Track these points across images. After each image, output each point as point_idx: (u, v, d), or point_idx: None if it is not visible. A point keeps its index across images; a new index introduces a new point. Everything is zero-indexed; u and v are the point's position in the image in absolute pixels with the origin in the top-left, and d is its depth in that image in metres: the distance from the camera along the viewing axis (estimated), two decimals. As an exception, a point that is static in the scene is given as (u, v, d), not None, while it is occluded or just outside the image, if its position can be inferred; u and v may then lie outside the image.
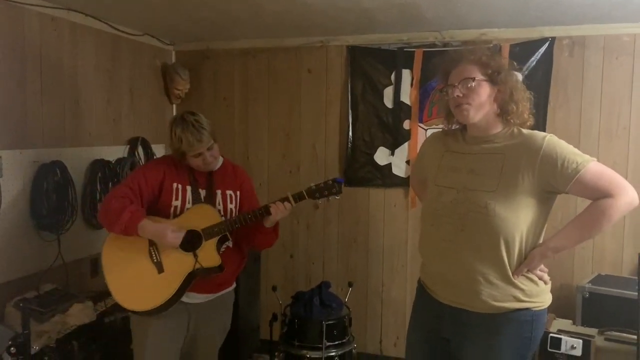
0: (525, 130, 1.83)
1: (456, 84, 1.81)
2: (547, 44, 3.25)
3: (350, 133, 3.64)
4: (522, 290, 1.77)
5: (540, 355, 2.48)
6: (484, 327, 1.79)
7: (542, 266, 1.80)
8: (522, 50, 3.27)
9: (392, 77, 3.52)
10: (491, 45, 3.27)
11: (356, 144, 3.64)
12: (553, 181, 1.73)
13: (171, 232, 2.14)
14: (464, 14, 3.00)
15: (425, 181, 2.06)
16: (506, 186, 1.74)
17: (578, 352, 2.42)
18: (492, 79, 1.80)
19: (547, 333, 2.46)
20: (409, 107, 3.51)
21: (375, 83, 3.57)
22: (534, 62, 3.27)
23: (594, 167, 1.70)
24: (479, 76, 1.80)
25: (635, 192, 1.71)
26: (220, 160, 2.41)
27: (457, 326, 1.85)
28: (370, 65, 3.57)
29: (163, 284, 2.18)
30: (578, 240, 1.79)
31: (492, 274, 1.76)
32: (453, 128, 1.99)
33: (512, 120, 1.81)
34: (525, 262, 1.76)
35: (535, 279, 1.79)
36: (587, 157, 1.73)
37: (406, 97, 3.51)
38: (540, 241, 1.83)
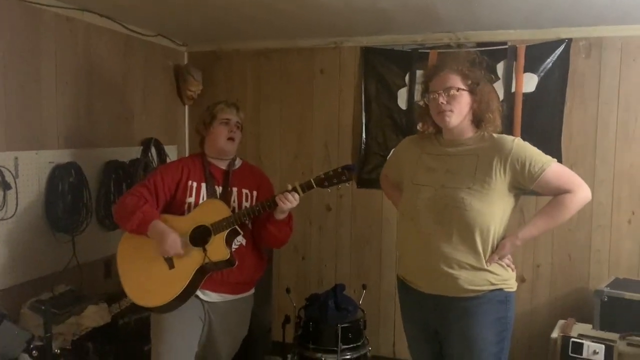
0: (495, 134, 2.02)
1: (440, 92, 1.98)
2: (563, 46, 3.21)
3: (364, 135, 3.62)
4: (495, 274, 1.96)
5: (562, 360, 2.46)
6: (463, 310, 1.96)
7: (509, 256, 1.99)
8: (538, 52, 3.24)
9: (406, 78, 3.50)
10: (507, 46, 3.26)
11: (369, 146, 3.62)
12: (521, 179, 1.93)
13: (171, 241, 2.15)
14: (480, 15, 2.97)
15: (399, 184, 2.25)
16: (481, 183, 1.93)
17: (600, 357, 2.39)
18: (471, 90, 2.00)
19: (568, 338, 2.44)
20: (423, 109, 3.49)
21: (389, 84, 3.55)
22: (550, 64, 3.24)
23: (555, 167, 1.94)
24: (460, 86, 1.98)
25: (589, 189, 1.96)
26: (239, 161, 2.45)
27: (440, 313, 2.01)
28: (384, 67, 3.55)
29: (174, 279, 2.19)
30: (544, 229, 2.01)
31: (468, 262, 1.94)
32: (428, 132, 2.17)
33: (488, 127, 2.01)
34: (497, 250, 1.96)
35: (505, 265, 1.99)
36: (549, 157, 1.95)
37: (420, 98, 3.48)
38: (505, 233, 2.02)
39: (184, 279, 2.17)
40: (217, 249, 2.18)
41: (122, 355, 2.71)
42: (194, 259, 2.19)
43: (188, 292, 2.19)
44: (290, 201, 2.16)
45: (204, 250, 2.18)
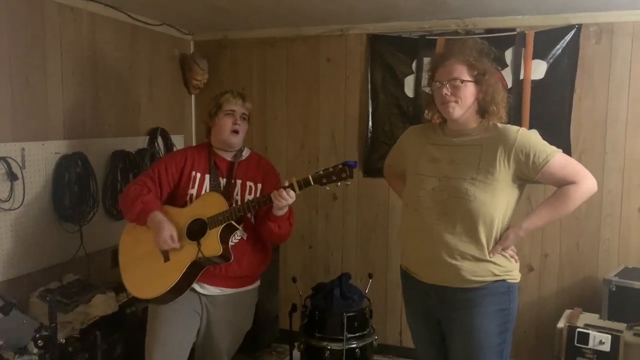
0: (499, 124, 2.00)
1: (445, 83, 1.95)
2: (573, 31, 3.15)
3: (370, 123, 3.59)
4: (498, 265, 1.95)
5: (568, 350, 2.44)
6: (465, 301, 1.96)
7: (512, 246, 1.98)
8: (547, 38, 3.18)
9: (414, 65, 3.46)
10: (516, 32, 3.21)
11: (376, 135, 3.60)
12: (525, 169, 1.91)
13: (166, 234, 2.13)
14: (488, 0, 2.92)
15: (403, 174, 2.22)
16: (485, 174, 1.91)
17: (606, 347, 2.37)
18: (477, 81, 1.96)
19: (574, 328, 2.42)
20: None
21: (395, 72, 3.51)
22: (559, 50, 3.18)
23: (560, 158, 1.91)
24: (466, 77, 1.95)
25: (595, 180, 1.93)
26: (247, 152, 2.42)
27: (443, 304, 2.02)
28: (390, 54, 3.51)
29: (167, 272, 2.17)
30: (548, 220, 2.00)
31: (472, 253, 1.93)
32: (434, 121, 2.15)
33: (491, 119, 1.98)
34: (500, 242, 1.95)
35: (508, 257, 1.98)
36: (554, 148, 1.93)
37: (427, 86, 3.45)
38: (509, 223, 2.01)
39: (176, 272, 2.15)
40: (211, 243, 2.14)
41: (129, 344, 2.74)
42: (188, 253, 2.16)
43: (181, 286, 2.17)
44: (285, 198, 2.07)
45: (198, 244, 2.15)
